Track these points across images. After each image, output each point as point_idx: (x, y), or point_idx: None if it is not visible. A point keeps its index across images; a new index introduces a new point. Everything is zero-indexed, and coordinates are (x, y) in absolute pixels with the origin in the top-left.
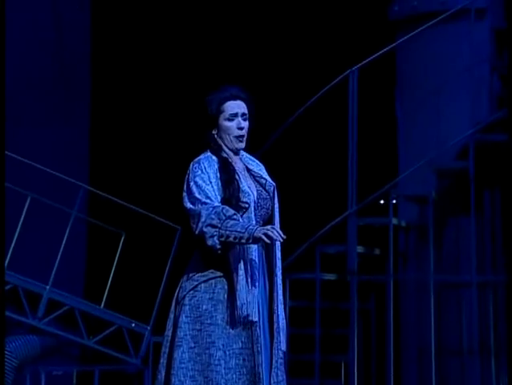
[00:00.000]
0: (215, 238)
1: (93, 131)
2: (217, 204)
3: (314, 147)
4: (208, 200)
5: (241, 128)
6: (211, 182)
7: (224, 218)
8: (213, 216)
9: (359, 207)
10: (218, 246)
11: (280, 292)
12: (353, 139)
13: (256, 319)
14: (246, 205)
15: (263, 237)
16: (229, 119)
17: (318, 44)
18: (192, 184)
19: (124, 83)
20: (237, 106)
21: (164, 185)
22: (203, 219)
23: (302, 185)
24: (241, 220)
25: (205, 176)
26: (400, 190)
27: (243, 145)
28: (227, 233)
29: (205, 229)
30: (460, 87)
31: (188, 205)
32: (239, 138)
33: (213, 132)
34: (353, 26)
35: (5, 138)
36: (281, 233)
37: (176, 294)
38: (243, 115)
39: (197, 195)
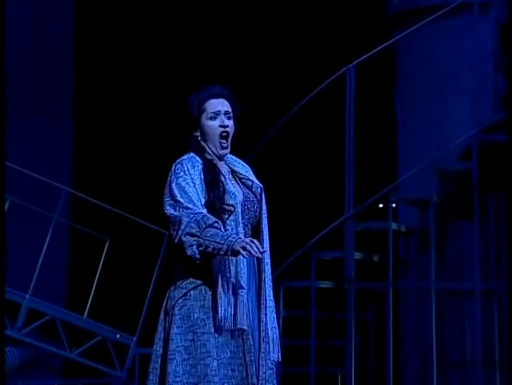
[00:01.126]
0: (194, 248)
1: (77, 133)
2: (199, 210)
3: (308, 148)
4: (190, 205)
5: (224, 126)
6: (194, 184)
7: (204, 226)
8: (192, 225)
9: (356, 211)
10: (197, 256)
11: (269, 299)
12: (350, 140)
13: (245, 327)
14: (232, 208)
15: (241, 251)
16: (212, 118)
17: (313, 40)
18: (173, 186)
19: (108, 82)
20: (219, 104)
21: (150, 188)
22: (183, 227)
23: (297, 188)
24: (222, 229)
25: (187, 177)
26: (399, 193)
27: (227, 151)
28: (206, 242)
29: (184, 238)
30: (462, 85)
31: (169, 211)
32: (222, 138)
33: (196, 134)
34: (350, 20)
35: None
36: (260, 247)
37: (164, 305)
38: (226, 113)
39: (178, 198)
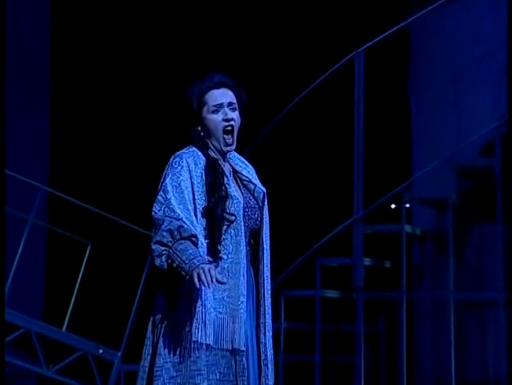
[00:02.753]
0: (163, 258)
1: (54, 129)
2: (181, 217)
3: (313, 142)
4: (177, 208)
5: (228, 120)
6: (192, 184)
7: (178, 238)
8: (164, 234)
9: (366, 212)
10: (166, 268)
11: (268, 316)
12: (359, 133)
13: (243, 348)
14: (233, 218)
15: (194, 279)
16: (214, 111)
17: (320, 21)
18: (168, 181)
19: (86, 78)
20: (221, 95)
21: (136, 187)
22: (158, 233)
23: (300, 187)
24: (200, 244)
25: (185, 174)
26: (414, 192)
27: (232, 148)
28: (174, 256)
29: (153, 246)
30: (483, 73)
31: (154, 210)
32: (226, 134)
33: (198, 129)
34: (360, 1)
35: None
36: (214, 277)
37: (151, 316)
38: (230, 104)
39: (169, 196)
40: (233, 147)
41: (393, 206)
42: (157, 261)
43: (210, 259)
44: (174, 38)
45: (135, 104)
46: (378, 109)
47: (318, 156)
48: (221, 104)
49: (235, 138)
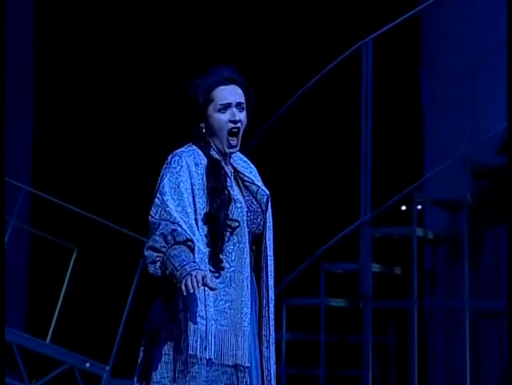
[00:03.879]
0: (157, 265)
1: (37, 128)
2: (177, 220)
3: (317, 139)
4: (178, 210)
5: (235, 122)
6: (193, 185)
7: (172, 243)
8: (157, 238)
9: (374, 214)
10: (160, 275)
11: (272, 329)
12: (367, 129)
13: (247, 364)
14: (236, 224)
15: (182, 286)
16: (221, 110)
17: (326, 8)
18: (165, 181)
19: (71, 74)
20: (230, 93)
21: (126, 189)
22: (151, 238)
23: (303, 186)
24: (197, 249)
25: (185, 175)
26: (426, 193)
27: (235, 150)
28: (167, 263)
29: (146, 252)
30: (500, 65)
31: (151, 213)
32: (231, 136)
33: (200, 126)
34: None
35: None
36: (200, 282)
37: (147, 327)
38: (239, 104)
39: (166, 198)
40: (237, 149)
41: (404, 208)
42: (151, 268)
43: (212, 269)
44: (161, 32)
45: (121, 102)
46: (387, 103)
47: (322, 153)
48: (230, 104)
49: (239, 140)
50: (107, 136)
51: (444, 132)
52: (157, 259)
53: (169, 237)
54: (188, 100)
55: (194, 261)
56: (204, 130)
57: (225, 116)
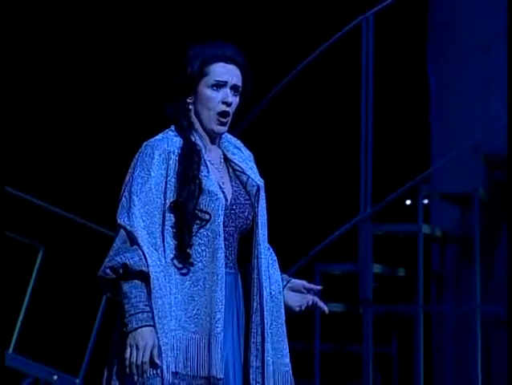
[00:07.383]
0: (109, 294)
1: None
2: (140, 240)
3: (314, 124)
4: (143, 212)
5: (226, 103)
6: (168, 175)
7: (123, 276)
8: (107, 271)
9: (375, 210)
10: (108, 295)
11: (268, 336)
12: (368, 115)
13: (220, 375)
14: (207, 217)
15: (126, 352)
16: (214, 87)
17: None
18: (135, 176)
19: (31, 67)
20: (228, 72)
21: (97, 183)
22: (113, 252)
23: (297, 178)
24: (144, 281)
25: (157, 168)
26: (433, 186)
27: (225, 129)
28: (121, 297)
29: (99, 274)
30: None
31: (117, 214)
32: (221, 116)
33: (188, 100)
34: None
35: None
36: (147, 364)
37: (114, 335)
38: (234, 87)
39: (134, 196)
40: (226, 128)
41: (408, 202)
42: (107, 294)
43: (179, 265)
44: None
45: (88, 91)
46: (390, 85)
47: (317, 139)
48: (225, 83)
49: (229, 120)
50: (73, 130)
51: (453, 118)
52: (110, 290)
53: (120, 271)
54: (180, 67)
55: (143, 309)
56: (190, 106)
57: (217, 95)
